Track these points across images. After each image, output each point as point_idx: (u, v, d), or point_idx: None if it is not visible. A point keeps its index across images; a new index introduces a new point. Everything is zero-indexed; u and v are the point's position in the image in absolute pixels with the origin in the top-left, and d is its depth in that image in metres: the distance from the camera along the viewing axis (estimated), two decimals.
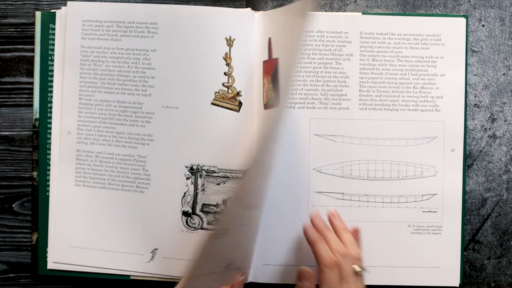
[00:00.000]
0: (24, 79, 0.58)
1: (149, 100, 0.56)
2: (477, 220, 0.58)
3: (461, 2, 0.59)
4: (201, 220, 0.56)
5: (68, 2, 0.56)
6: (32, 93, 0.58)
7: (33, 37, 0.58)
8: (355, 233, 0.54)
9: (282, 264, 0.56)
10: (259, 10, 0.58)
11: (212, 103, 0.56)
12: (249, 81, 0.56)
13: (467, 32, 0.57)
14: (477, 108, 0.58)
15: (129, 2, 0.58)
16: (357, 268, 0.50)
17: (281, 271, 0.56)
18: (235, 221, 0.47)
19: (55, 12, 0.57)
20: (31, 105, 0.58)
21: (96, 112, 0.57)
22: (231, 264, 0.50)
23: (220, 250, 0.47)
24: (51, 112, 0.57)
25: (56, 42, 0.57)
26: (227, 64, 0.56)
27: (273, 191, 0.56)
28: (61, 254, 0.56)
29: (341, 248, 0.50)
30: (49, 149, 0.57)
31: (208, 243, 0.42)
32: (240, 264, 0.52)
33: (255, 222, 0.52)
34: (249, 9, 0.56)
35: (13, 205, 0.58)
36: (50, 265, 0.57)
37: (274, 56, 0.54)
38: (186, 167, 0.56)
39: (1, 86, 0.58)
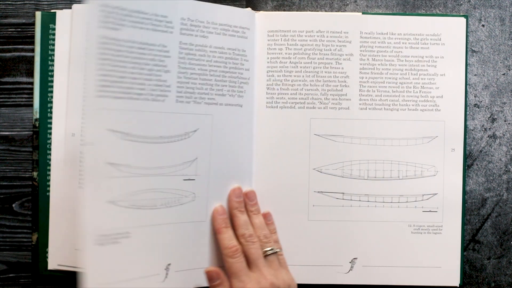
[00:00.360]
0: (24, 79, 0.58)
1: None
2: (477, 220, 0.58)
3: (461, 2, 0.59)
4: None
5: (74, 5, 0.56)
6: (32, 93, 0.58)
7: (33, 37, 0.58)
8: (266, 216, 0.55)
9: None
10: (259, 10, 0.58)
11: None
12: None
13: (467, 32, 0.57)
14: (477, 108, 0.58)
15: None
16: (268, 251, 0.51)
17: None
18: (131, 223, 0.48)
19: (55, 12, 0.57)
20: (31, 105, 0.58)
21: None
22: (170, 264, 0.50)
23: (134, 253, 0.47)
24: (51, 112, 0.57)
25: (58, 43, 0.57)
26: None
27: (274, 191, 0.56)
28: (66, 257, 0.56)
29: (249, 231, 0.51)
30: (49, 149, 0.57)
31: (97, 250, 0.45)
32: (186, 266, 0.52)
33: (180, 220, 0.52)
34: (249, 9, 0.56)
35: (13, 205, 0.58)
36: (54, 267, 0.56)
37: None
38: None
39: (1, 86, 0.58)
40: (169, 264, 0.51)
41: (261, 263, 0.50)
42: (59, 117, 0.57)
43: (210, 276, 0.50)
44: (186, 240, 0.52)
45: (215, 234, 0.52)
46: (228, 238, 0.51)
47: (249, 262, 0.50)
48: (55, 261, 0.56)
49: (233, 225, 0.53)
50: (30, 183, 0.58)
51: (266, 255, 0.51)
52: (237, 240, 0.51)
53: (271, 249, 0.51)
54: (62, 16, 0.57)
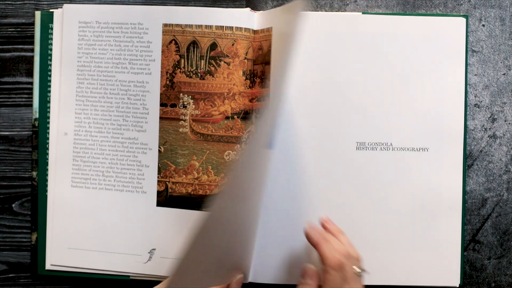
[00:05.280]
0: (24, 79, 0.58)
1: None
2: (477, 220, 0.58)
3: (461, 2, 0.59)
4: None
5: (64, 5, 0.57)
6: (31, 93, 0.58)
7: (32, 37, 0.58)
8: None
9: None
10: (259, 10, 0.58)
11: None
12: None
13: (467, 32, 0.57)
14: (477, 108, 0.58)
15: (127, 3, 0.58)
16: (357, 270, 0.49)
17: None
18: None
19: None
20: (31, 105, 0.58)
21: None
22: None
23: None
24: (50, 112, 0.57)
25: (54, 43, 0.57)
26: None
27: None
28: (59, 256, 0.56)
29: (343, 249, 0.50)
30: (48, 149, 0.57)
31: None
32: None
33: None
34: (249, 9, 0.56)
35: (13, 205, 0.58)
36: (48, 267, 0.57)
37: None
38: None
39: (1, 86, 0.58)
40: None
41: (353, 281, 0.48)
42: (56, 118, 0.57)
43: (307, 273, 0.50)
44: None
45: (315, 246, 0.50)
46: (331, 250, 0.49)
47: (342, 278, 0.49)
48: (52, 262, 0.56)
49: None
50: (30, 183, 0.58)
51: (355, 274, 0.49)
52: None
53: (360, 270, 0.50)
54: (58, 15, 0.57)
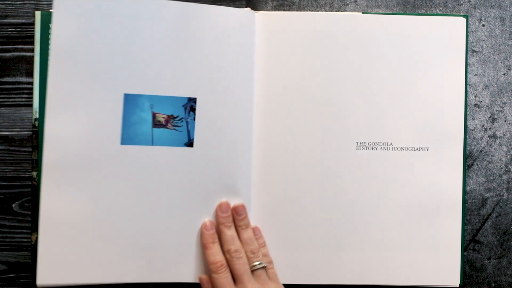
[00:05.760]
0: (24, 79, 0.58)
1: None
2: (477, 220, 0.58)
3: (461, 2, 0.59)
4: None
5: (55, 1, 0.53)
6: (31, 93, 0.58)
7: (32, 37, 0.58)
8: (255, 231, 0.54)
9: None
10: (259, 10, 0.58)
11: None
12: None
13: (467, 32, 0.57)
14: (477, 108, 0.58)
15: None
16: (256, 266, 0.50)
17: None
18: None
19: None
20: (31, 105, 0.58)
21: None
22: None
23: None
24: None
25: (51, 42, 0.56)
26: None
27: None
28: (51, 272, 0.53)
29: (235, 247, 0.51)
30: None
31: None
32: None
33: None
34: (249, 9, 0.56)
35: (13, 205, 0.58)
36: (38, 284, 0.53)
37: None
38: None
39: (1, 86, 0.58)
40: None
41: (246, 279, 0.50)
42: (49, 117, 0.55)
43: (202, 284, 0.52)
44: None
45: (203, 249, 0.52)
46: (213, 253, 0.51)
47: (235, 278, 0.51)
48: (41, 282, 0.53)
49: (220, 240, 0.53)
50: (30, 183, 0.58)
51: (253, 270, 0.51)
52: (224, 256, 0.51)
53: (259, 263, 0.51)
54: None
